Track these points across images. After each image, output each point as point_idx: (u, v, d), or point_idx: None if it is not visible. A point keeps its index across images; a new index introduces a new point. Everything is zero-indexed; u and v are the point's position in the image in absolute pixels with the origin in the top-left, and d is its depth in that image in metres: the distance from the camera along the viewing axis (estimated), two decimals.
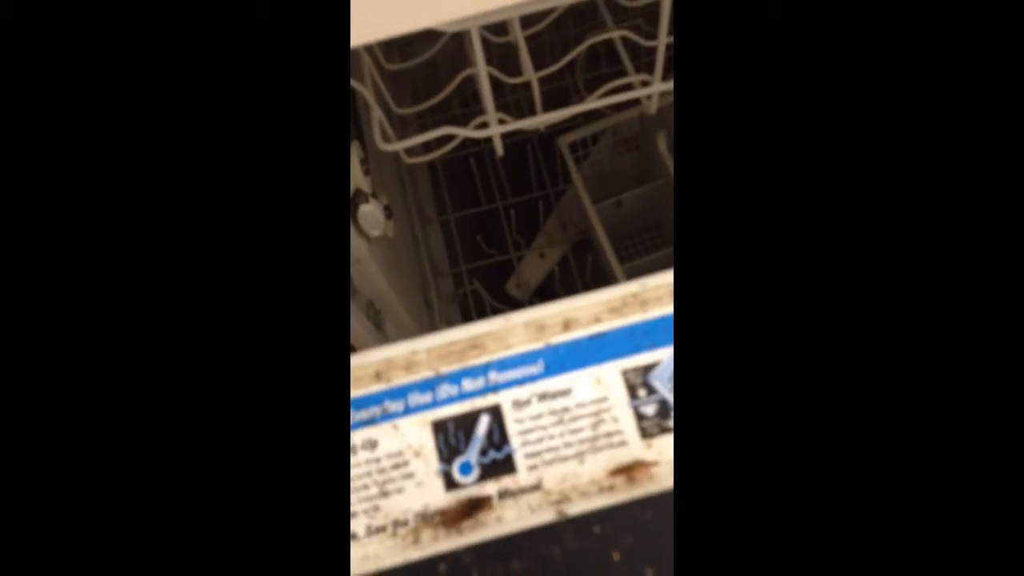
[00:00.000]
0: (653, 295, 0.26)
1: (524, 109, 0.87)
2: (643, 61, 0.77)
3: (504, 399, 0.26)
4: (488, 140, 0.92)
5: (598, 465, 0.25)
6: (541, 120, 0.51)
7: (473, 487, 0.25)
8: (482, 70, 0.44)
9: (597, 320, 0.26)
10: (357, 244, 0.55)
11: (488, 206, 0.89)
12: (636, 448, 0.25)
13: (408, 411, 0.26)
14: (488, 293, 0.85)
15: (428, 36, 0.61)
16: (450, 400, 0.26)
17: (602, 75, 0.87)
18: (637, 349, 0.26)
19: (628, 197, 0.80)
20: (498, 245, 0.89)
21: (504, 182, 0.90)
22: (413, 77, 0.90)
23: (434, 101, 0.55)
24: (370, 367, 0.26)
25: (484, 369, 0.26)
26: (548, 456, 0.25)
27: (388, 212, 0.57)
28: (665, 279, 0.27)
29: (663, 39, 0.51)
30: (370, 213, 0.54)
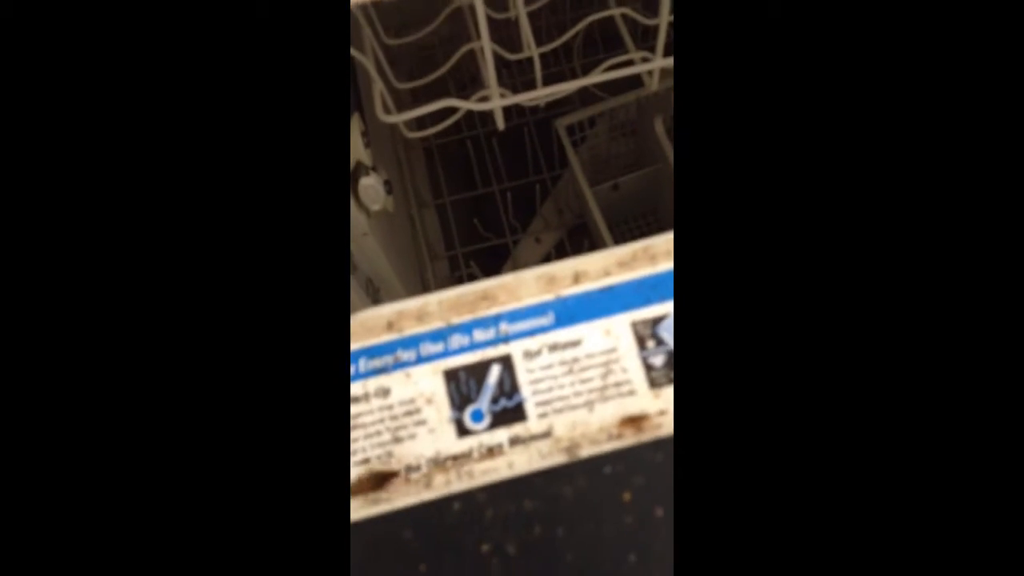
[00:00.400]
0: (662, 250, 0.27)
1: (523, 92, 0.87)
2: (640, 46, 0.78)
3: (515, 349, 0.26)
4: (485, 124, 0.93)
5: (607, 413, 0.25)
6: (542, 93, 0.51)
7: (484, 434, 0.25)
8: (485, 39, 0.45)
9: (607, 273, 0.27)
10: (357, 218, 0.55)
11: (484, 190, 0.90)
12: (644, 397, 0.25)
13: (420, 360, 0.26)
14: (484, 276, 0.85)
15: (425, 16, 0.61)
16: (462, 350, 0.26)
17: (600, 59, 0.87)
18: (646, 301, 0.26)
19: (625, 181, 0.81)
20: (494, 229, 0.89)
21: (501, 166, 0.90)
22: (410, 60, 0.90)
23: (435, 76, 0.56)
24: (382, 318, 0.27)
25: (495, 320, 0.26)
26: (558, 404, 0.25)
27: (388, 187, 0.57)
28: (673, 236, 0.27)
29: (664, 17, 0.51)
30: (370, 186, 0.54)
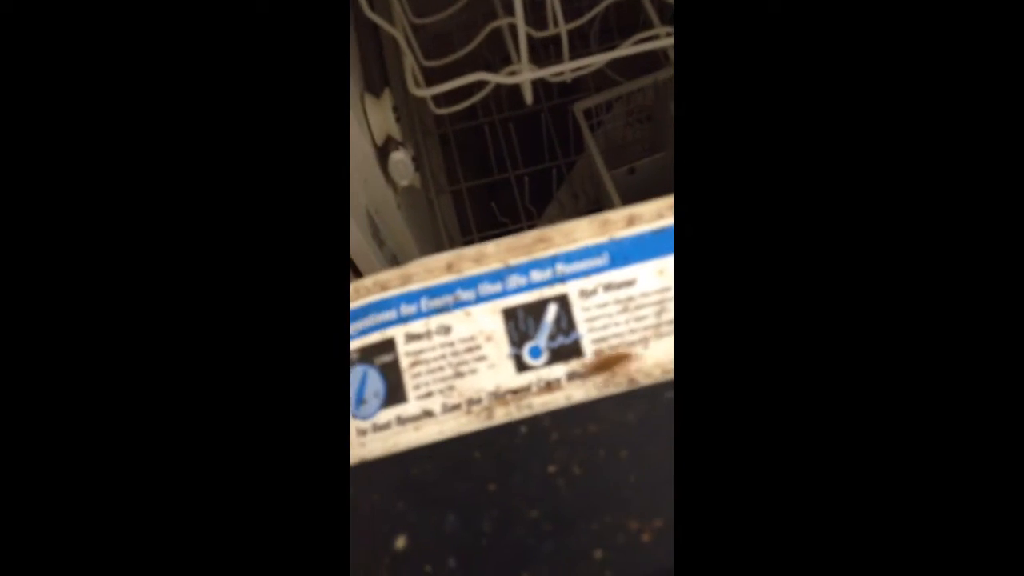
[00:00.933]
0: None
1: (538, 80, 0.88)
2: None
3: (571, 289, 0.27)
4: (502, 110, 0.93)
5: (661, 350, 0.26)
6: (569, 67, 0.52)
7: (543, 369, 0.26)
8: (519, 12, 0.46)
9: (660, 216, 0.28)
10: (386, 193, 0.56)
11: (500, 175, 0.91)
12: None
13: (479, 300, 0.27)
14: None
15: (441, 5, 0.62)
16: (519, 290, 0.27)
17: (615, 47, 0.88)
18: None
19: (642, 165, 0.82)
20: (510, 214, 0.90)
21: (517, 152, 0.91)
22: (425, 47, 0.91)
23: (463, 52, 0.57)
24: (442, 260, 0.28)
25: (551, 261, 0.27)
26: (614, 341, 0.26)
27: (416, 163, 0.58)
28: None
29: None
30: (400, 161, 0.55)
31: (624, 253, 0.27)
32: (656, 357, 0.26)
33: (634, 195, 0.86)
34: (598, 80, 0.86)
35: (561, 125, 0.91)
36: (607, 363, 0.25)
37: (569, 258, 0.27)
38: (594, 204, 0.91)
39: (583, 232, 0.28)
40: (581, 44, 0.93)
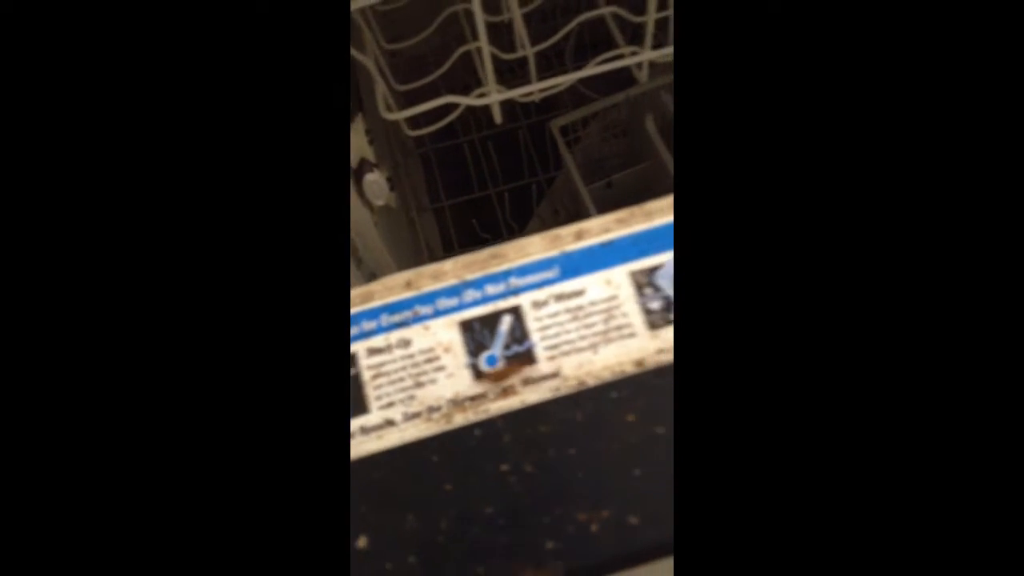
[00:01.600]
0: (656, 207, 0.29)
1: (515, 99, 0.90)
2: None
3: (524, 300, 0.28)
4: (481, 128, 0.95)
5: (610, 353, 0.28)
6: (537, 87, 0.54)
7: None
8: (483, 37, 0.47)
9: (607, 230, 0.29)
10: (363, 213, 0.58)
11: (481, 192, 0.92)
12: (644, 338, 0.28)
13: (437, 314, 0.29)
14: None
15: (417, 28, 0.64)
16: (475, 303, 0.29)
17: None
18: (643, 253, 0.29)
19: (618, 178, 0.83)
20: (492, 230, 0.92)
21: (497, 169, 0.93)
22: (402, 70, 0.93)
23: (433, 76, 0.58)
24: (401, 278, 0.29)
25: (505, 275, 0.29)
26: (565, 348, 0.28)
27: (391, 183, 0.60)
28: (668, 200, 0.30)
29: (651, 15, 0.54)
30: (375, 182, 0.56)
31: (574, 265, 0.29)
32: (605, 361, 0.28)
33: (612, 208, 0.88)
34: (574, 97, 0.88)
35: (539, 142, 0.93)
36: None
37: (522, 271, 0.29)
38: (574, 218, 0.92)
39: (535, 247, 0.29)
40: (557, 62, 0.95)
